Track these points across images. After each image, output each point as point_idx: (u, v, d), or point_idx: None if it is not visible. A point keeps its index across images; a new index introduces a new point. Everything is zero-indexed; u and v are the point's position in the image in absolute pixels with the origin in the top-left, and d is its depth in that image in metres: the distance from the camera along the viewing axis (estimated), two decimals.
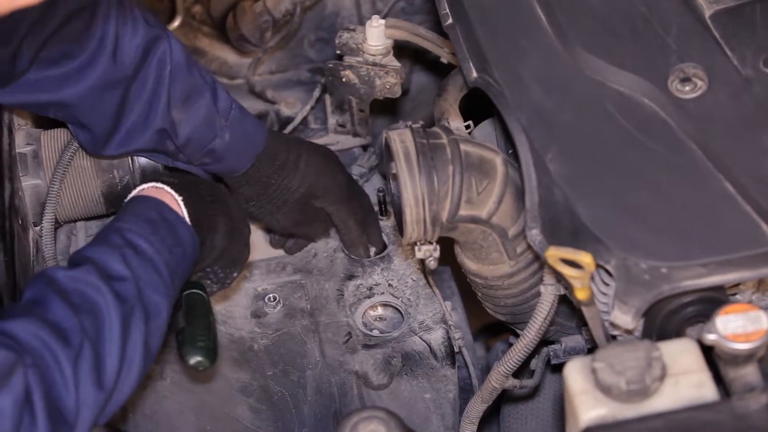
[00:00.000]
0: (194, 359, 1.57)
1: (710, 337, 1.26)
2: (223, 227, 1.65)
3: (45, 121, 1.94)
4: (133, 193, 1.62)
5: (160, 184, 1.60)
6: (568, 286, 1.39)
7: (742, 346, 1.25)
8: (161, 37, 1.66)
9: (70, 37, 1.59)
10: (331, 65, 1.98)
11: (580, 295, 1.36)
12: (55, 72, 1.61)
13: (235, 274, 1.71)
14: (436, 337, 1.83)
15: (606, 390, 1.25)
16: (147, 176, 1.80)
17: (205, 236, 1.61)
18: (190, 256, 1.57)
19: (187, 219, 1.58)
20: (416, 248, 1.58)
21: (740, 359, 1.26)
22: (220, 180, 1.81)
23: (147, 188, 1.61)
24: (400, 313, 1.88)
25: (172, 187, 1.60)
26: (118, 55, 1.63)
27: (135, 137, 1.69)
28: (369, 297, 1.89)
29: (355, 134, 2.12)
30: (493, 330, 2.27)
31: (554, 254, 1.33)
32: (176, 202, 1.59)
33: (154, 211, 1.55)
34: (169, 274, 1.49)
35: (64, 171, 1.82)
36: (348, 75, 1.97)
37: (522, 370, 1.71)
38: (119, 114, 1.66)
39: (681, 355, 1.28)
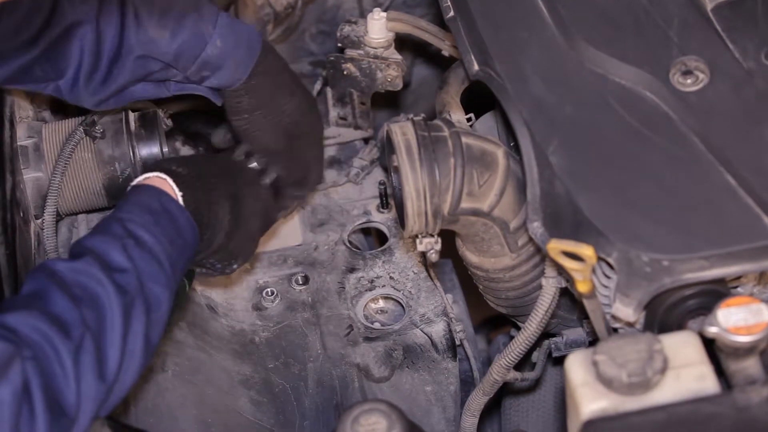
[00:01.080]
0: None
1: (712, 330, 1.26)
2: (225, 220, 1.63)
3: (46, 115, 1.95)
4: (136, 180, 1.60)
5: (163, 174, 1.58)
6: (570, 279, 1.39)
7: (744, 339, 1.25)
8: None
9: (20, 9, 1.58)
10: (332, 58, 1.98)
11: (582, 287, 1.36)
12: (19, 38, 1.60)
13: (236, 266, 1.70)
14: (438, 329, 1.83)
15: (607, 383, 1.24)
16: (148, 168, 1.79)
17: (204, 230, 1.60)
18: (191, 248, 1.56)
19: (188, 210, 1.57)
20: (417, 241, 1.58)
21: (741, 352, 1.26)
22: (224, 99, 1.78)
23: (151, 177, 1.59)
24: (402, 305, 1.88)
25: (176, 178, 1.58)
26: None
27: (118, 70, 1.67)
28: (370, 290, 1.89)
29: (357, 127, 2.12)
30: (494, 323, 2.27)
31: (556, 247, 1.33)
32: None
33: (156, 201, 1.54)
34: (170, 266, 1.48)
35: (66, 163, 1.82)
36: (349, 68, 1.97)
37: (523, 363, 1.72)
38: (97, 48, 1.65)
39: (682, 347, 1.27)
